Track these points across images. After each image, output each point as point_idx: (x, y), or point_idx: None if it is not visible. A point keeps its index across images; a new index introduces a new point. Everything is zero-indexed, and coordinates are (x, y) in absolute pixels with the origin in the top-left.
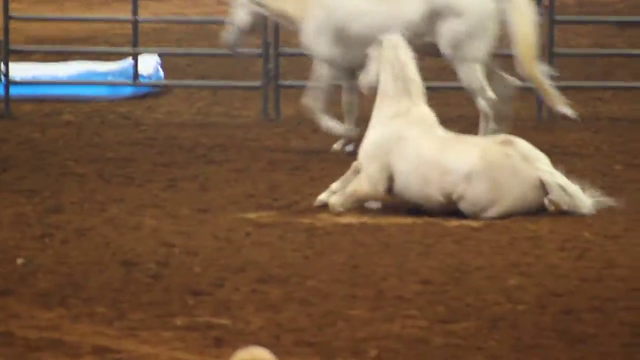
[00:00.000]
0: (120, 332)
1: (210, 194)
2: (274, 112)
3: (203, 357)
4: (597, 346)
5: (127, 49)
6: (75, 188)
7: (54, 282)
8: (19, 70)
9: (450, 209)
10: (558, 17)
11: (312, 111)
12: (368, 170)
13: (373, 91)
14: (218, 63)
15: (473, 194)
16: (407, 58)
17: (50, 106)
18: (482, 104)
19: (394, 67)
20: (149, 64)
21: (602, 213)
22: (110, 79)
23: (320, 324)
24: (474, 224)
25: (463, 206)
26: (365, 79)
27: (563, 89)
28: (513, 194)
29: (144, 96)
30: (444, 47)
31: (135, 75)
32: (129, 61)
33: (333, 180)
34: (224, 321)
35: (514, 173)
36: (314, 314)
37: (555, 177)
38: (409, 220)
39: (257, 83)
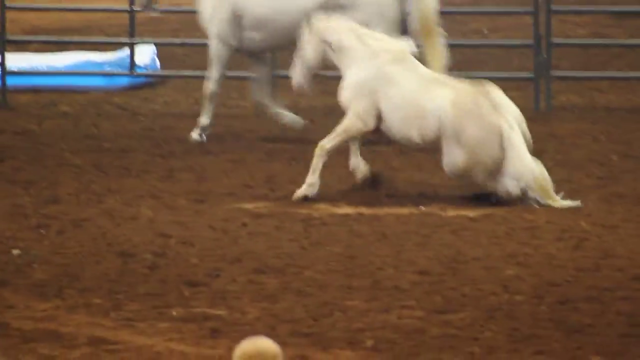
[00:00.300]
0: (117, 323)
1: (207, 184)
2: None
3: (199, 348)
4: (594, 336)
5: (124, 39)
6: (72, 179)
7: (50, 273)
8: (16, 60)
9: (430, 149)
10: (556, 7)
11: (207, 98)
12: (356, 109)
13: (311, 77)
14: None
15: (442, 139)
16: (345, 21)
17: (47, 97)
18: None
19: (340, 29)
20: (145, 55)
21: (599, 203)
22: (106, 69)
23: (316, 315)
24: (471, 214)
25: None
26: (299, 65)
27: (561, 79)
28: (475, 140)
29: (140, 87)
30: None
31: (132, 65)
32: (126, 51)
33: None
34: (220, 312)
35: (480, 120)
36: (310, 304)
37: (512, 131)
38: (405, 210)
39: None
